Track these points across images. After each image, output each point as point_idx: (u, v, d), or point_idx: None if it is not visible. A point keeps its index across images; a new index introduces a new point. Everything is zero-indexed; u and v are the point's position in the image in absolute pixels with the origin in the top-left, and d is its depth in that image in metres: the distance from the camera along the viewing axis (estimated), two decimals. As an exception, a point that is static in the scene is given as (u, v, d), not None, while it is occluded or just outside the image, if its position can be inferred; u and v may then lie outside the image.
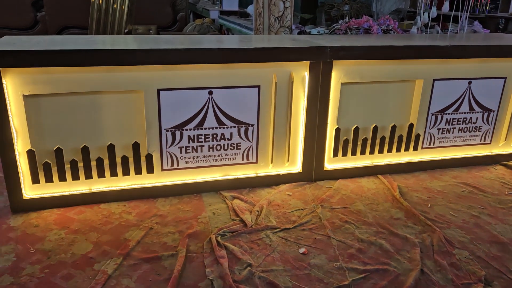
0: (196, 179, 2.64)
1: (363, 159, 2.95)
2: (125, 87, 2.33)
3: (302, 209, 2.50)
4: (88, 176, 2.42)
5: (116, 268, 1.91)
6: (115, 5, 4.64)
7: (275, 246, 2.13)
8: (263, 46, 2.48)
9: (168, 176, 2.58)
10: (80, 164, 2.39)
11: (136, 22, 6.26)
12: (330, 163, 2.88)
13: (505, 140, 3.18)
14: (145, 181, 2.55)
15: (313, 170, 2.83)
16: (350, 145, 2.87)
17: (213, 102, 2.49)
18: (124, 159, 2.45)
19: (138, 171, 2.51)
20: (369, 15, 6.99)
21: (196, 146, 2.57)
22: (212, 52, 2.37)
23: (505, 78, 3.00)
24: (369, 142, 2.91)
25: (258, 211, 2.44)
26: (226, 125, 2.57)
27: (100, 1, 4.74)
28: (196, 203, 2.53)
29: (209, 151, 2.60)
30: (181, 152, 2.55)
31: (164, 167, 2.56)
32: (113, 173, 2.46)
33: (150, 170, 2.53)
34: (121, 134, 2.43)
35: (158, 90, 2.38)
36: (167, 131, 2.48)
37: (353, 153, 2.90)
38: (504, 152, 3.21)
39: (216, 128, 2.56)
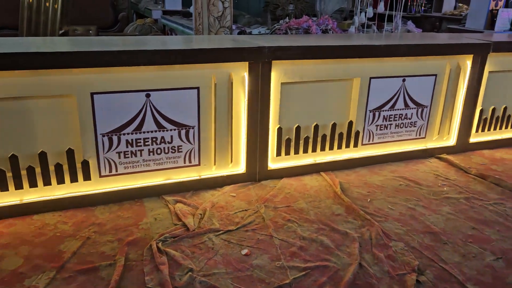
0: (137, 184, 2.57)
1: (306, 157, 2.99)
2: (55, 92, 2.22)
3: (245, 210, 2.49)
4: (19, 186, 2.29)
5: (48, 282, 1.82)
6: (47, 4, 4.41)
7: (217, 249, 2.11)
8: (199, 47, 2.45)
9: (106, 182, 2.50)
10: (9, 174, 2.26)
11: (75, 23, 6.01)
12: (274, 163, 2.90)
13: (438, 134, 3.35)
14: (82, 189, 2.45)
15: (257, 170, 2.84)
16: (292, 144, 2.91)
17: (151, 105, 2.43)
18: (58, 167, 2.34)
19: (74, 179, 2.40)
20: (313, 14, 7.13)
21: (135, 151, 2.50)
22: (146, 54, 2.31)
23: (435, 75, 3.15)
24: (311, 140, 2.95)
25: (201, 214, 2.41)
26: (165, 128, 2.51)
27: (31, 0, 4.50)
28: (137, 209, 2.46)
29: (149, 155, 2.54)
30: (119, 157, 2.47)
31: (102, 174, 2.47)
32: (47, 182, 2.34)
33: (87, 177, 2.43)
34: (53, 141, 2.31)
35: (92, 94, 2.29)
36: (103, 136, 2.39)
37: (296, 152, 2.94)
38: (438, 146, 3.38)
39: (156, 131, 2.50)
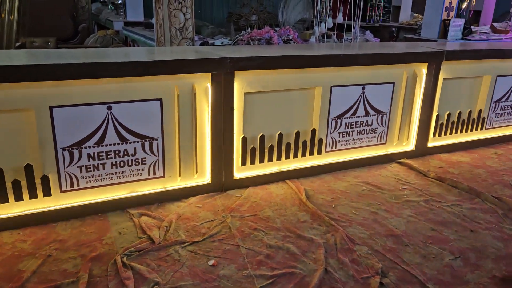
0: (100, 198, 2.51)
1: (271, 166, 3.02)
2: (11, 106, 2.16)
3: (212, 220, 2.49)
4: (-27, 205, 2.20)
5: (7, 304, 1.75)
6: (2, 15, 4.28)
7: (184, 261, 2.09)
8: (161, 58, 2.44)
9: (68, 198, 2.43)
10: (-37, 193, 2.17)
11: (33, 34, 5.85)
12: (239, 172, 2.91)
13: (397, 140, 3.46)
14: (42, 205, 2.37)
15: (223, 180, 2.84)
16: (257, 153, 2.93)
17: (112, 117, 2.40)
18: (16, 184, 2.26)
19: (33, 195, 2.33)
20: (276, 24, 7.23)
21: (98, 164, 2.45)
22: (107, 66, 2.28)
23: (393, 83, 3.26)
24: (275, 149, 2.99)
25: (166, 227, 2.38)
26: (128, 140, 2.48)
27: (-15, 12, 4.35)
28: (101, 224, 2.41)
29: (112, 168, 2.49)
30: (81, 172, 2.42)
31: (63, 189, 2.41)
32: (3, 200, 2.26)
33: (47, 193, 2.36)
34: (10, 157, 2.24)
35: (51, 108, 2.24)
36: (63, 150, 2.34)
37: (261, 161, 2.97)
38: (398, 151, 3.49)
39: (118, 144, 2.46)
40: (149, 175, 2.62)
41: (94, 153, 2.41)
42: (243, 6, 7.68)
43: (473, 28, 5.61)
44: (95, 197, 2.50)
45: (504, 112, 3.96)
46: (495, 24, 5.92)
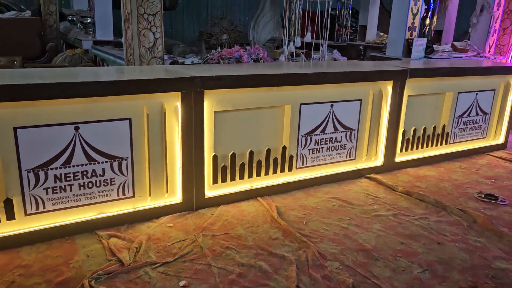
0: (67, 221, 2.45)
1: (242, 184, 3.02)
2: (-27, 127, 2.10)
3: (183, 240, 2.46)
4: None
5: (-34, 334, 1.67)
6: (-35, 36, 4.18)
7: (154, 283, 2.05)
8: (130, 78, 2.44)
9: (33, 221, 2.36)
10: None
11: (-2, 53, 5.71)
12: (211, 190, 2.90)
13: (366, 155, 3.53)
14: (5, 229, 2.29)
15: (194, 199, 2.82)
16: (228, 171, 2.93)
17: (80, 137, 2.36)
18: (-23, 208, 2.19)
19: (-5, 219, 2.25)
20: (247, 43, 7.32)
21: (65, 186, 2.39)
22: (74, 86, 2.26)
23: (360, 100, 3.35)
24: (246, 166, 3.00)
25: (136, 248, 2.34)
26: (96, 160, 2.44)
27: None
28: (68, 247, 2.34)
29: (79, 189, 2.44)
30: (47, 194, 2.36)
31: (28, 212, 2.34)
32: (-36, 225, 2.18)
33: (10, 216, 2.28)
34: (-28, 180, 2.17)
35: (15, 128, 2.18)
36: (28, 172, 2.28)
37: (232, 179, 2.97)
38: (367, 166, 3.56)
39: (86, 164, 2.42)
40: (118, 195, 2.57)
41: (61, 174, 2.36)
42: (214, 25, 7.74)
43: (435, 46, 5.85)
44: (62, 219, 2.44)
45: (467, 127, 4.12)
46: (455, 43, 6.19)
